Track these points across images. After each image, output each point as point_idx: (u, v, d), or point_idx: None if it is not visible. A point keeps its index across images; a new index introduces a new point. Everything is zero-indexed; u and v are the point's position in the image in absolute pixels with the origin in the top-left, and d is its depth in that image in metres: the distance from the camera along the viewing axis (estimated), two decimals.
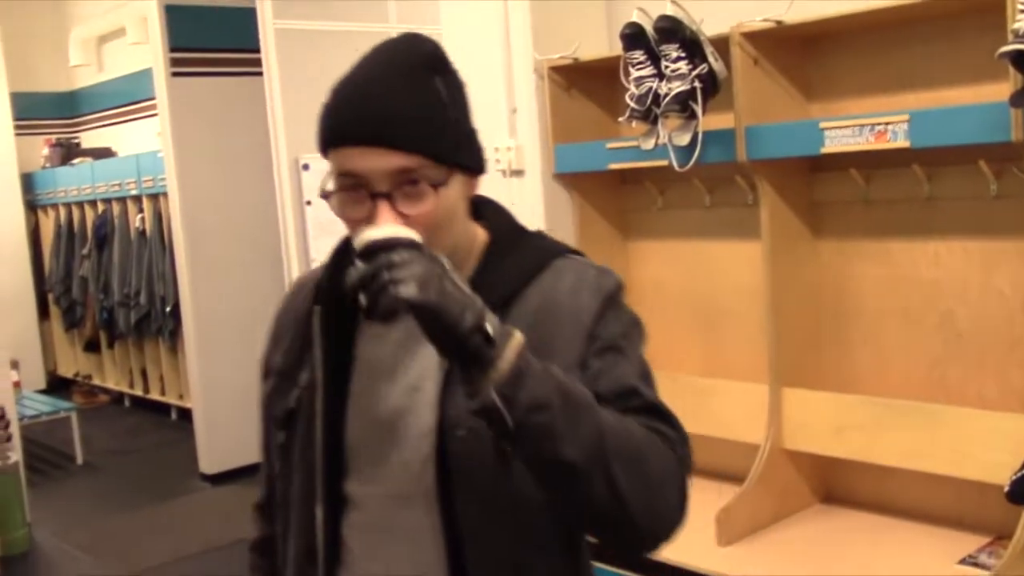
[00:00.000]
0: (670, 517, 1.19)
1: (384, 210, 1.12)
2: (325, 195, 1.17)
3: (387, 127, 1.13)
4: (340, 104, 1.17)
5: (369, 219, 1.12)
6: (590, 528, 1.20)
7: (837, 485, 2.71)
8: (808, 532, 2.55)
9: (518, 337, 1.07)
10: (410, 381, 1.24)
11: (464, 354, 1.05)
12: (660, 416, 1.22)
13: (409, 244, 1.06)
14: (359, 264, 1.05)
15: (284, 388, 1.32)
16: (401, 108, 1.15)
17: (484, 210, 1.31)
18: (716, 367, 2.94)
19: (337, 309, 1.26)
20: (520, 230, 1.33)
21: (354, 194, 1.14)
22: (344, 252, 1.29)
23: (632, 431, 1.15)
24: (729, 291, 2.90)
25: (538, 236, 1.33)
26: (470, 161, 1.23)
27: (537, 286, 1.25)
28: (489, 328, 1.04)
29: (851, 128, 2.30)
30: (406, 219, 1.13)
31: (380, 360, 1.27)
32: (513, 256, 1.27)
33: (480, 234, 1.29)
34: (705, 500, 2.73)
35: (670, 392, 3.10)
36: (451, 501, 1.20)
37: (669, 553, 2.44)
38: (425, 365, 1.23)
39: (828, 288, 2.67)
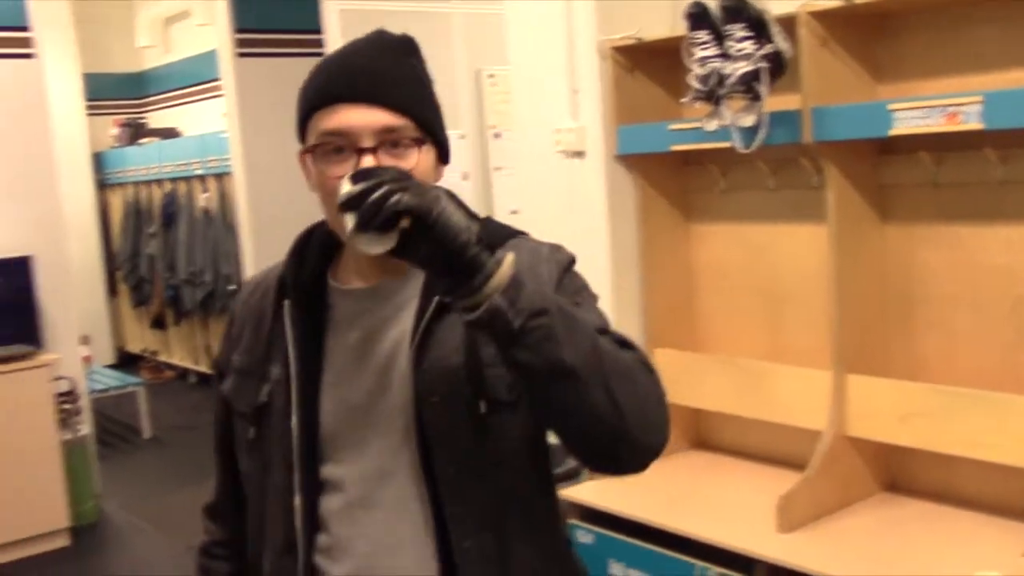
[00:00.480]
0: (661, 431, 1.22)
1: (368, 163, 1.19)
2: (308, 150, 1.24)
3: (377, 86, 1.22)
4: (329, 68, 1.26)
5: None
6: (587, 446, 1.19)
7: (901, 473, 2.67)
8: (871, 521, 2.52)
9: (509, 253, 1.11)
10: (380, 362, 1.29)
11: (464, 263, 1.07)
12: (632, 349, 1.24)
13: (402, 171, 1.12)
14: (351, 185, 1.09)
15: (250, 385, 1.35)
16: (389, 71, 1.24)
17: None
18: (778, 351, 2.90)
19: (304, 303, 1.31)
20: (473, 214, 1.34)
21: (337, 155, 1.21)
22: (305, 245, 1.35)
23: (618, 350, 1.18)
24: (792, 274, 2.86)
25: (489, 220, 1.37)
26: (444, 142, 1.30)
27: None
28: (477, 248, 1.08)
29: (921, 110, 2.25)
30: None
31: (350, 347, 1.30)
32: None
33: None
34: (765, 486, 2.71)
35: (730, 376, 3.11)
36: (431, 468, 1.25)
37: (728, 538, 2.44)
38: (393, 346, 1.28)
39: (895, 273, 2.62)
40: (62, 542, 4.70)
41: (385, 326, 1.30)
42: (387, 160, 1.21)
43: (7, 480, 4.50)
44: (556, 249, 1.36)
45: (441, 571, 1.26)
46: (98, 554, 4.72)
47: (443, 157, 1.31)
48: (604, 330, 1.24)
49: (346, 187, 1.10)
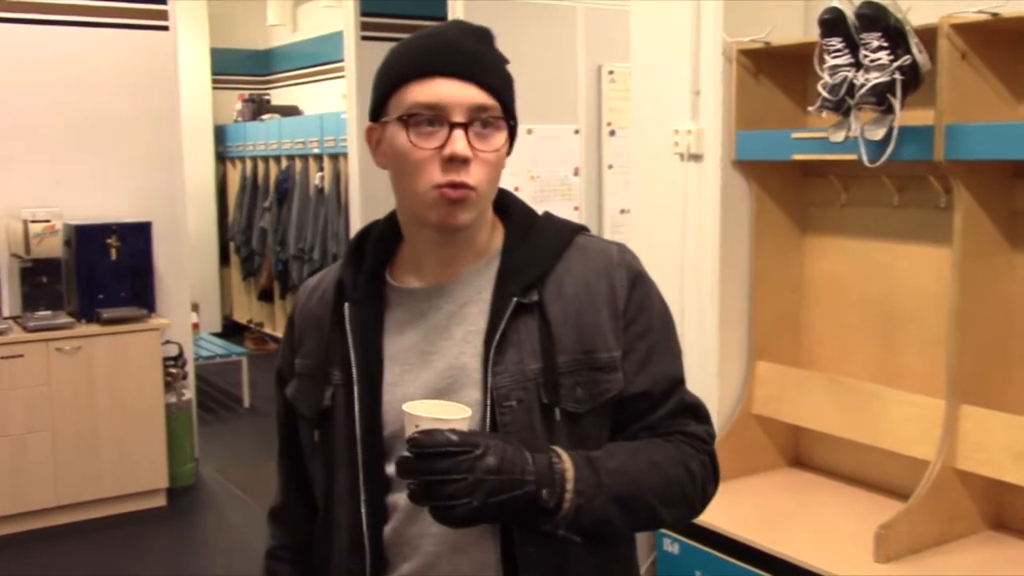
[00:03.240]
0: (694, 515, 1.34)
1: (461, 137, 1.20)
2: (401, 119, 1.22)
3: (475, 64, 1.24)
4: (423, 44, 1.26)
5: (442, 147, 1.20)
6: None
7: (1011, 512, 2.55)
8: (974, 559, 2.41)
9: (568, 468, 1.18)
10: (448, 362, 1.27)
11: (533, 517, 1.18)
12: (692, 412, 1.35)
13: (455, 447, 1.12)
14: (408, 456, 1.13)
15: (313, 388, 1.34)
16: (481, 53, 1.26)
17: (501, 199, 1.36)
18: (887, 375, 2.79)
19: (363, 304, 1.31)
20: (532, 211, 1.37)
21: (428, 127, 1.21)
22: (361, 245, 1.36)
23: (663, 466, 1.27)
24: (910, 297, 2.75)
25: (549, 216, 1.37)
26: (515, 131, 1.30)
27: (564, 264, 1.30)
28: (545, 492, 1.16)
29: None
30: (475, 153, 1.21)
31: (412, 346, 1.29)
32: (536, 236, 1.32)
33: (498, 220, 1.35)
34: (864, 512, 2.62)
35: (836, 395, 3.01)
36: None
37: (821, 562, 2.37)
38: (462, 345, 1.27)
39: (1022, 304, 2.49)
40: (159, 502, 4.85)
41: (449, 325, 1.29)
42: (475, 140, 1.21)
43: (113, 437, 4.67)
44: (624, 250, 1.35)
45: (503, 574, 1.25)
46: (192, 516, 4.86)
47: (511, 146, 1.31)
48: (678, 383, 1.34)
49: (408, 439, 1.14)
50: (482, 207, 1.26)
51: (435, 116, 1.21)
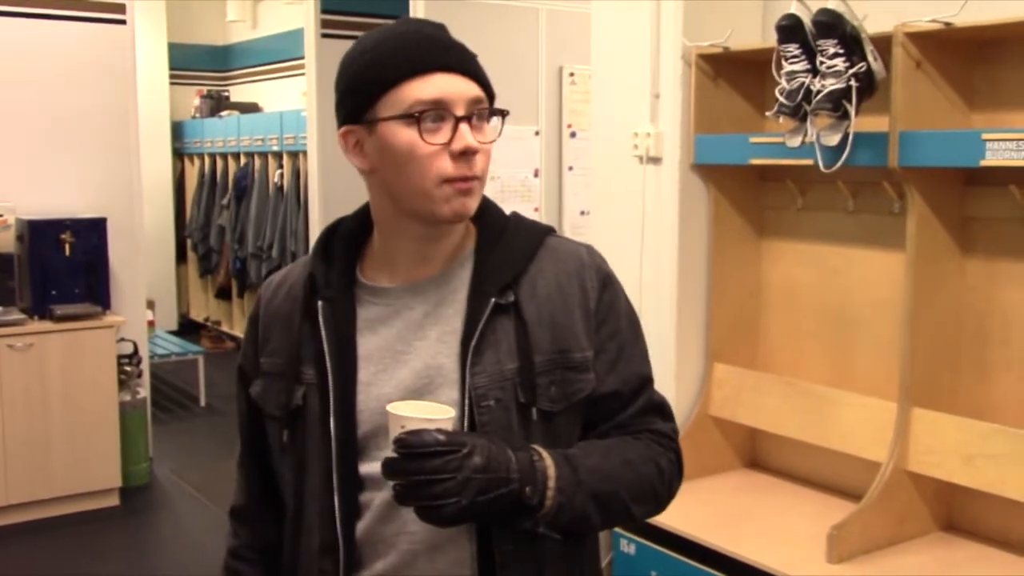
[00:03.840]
0: (661, 510, 1.37)
1: (467, 131, 1.22)
2: (411, 116, 1.21)
3: (465, 58, 1.26)
4: (412, 40, 1.25)
5: (450, 143, 1.21)
6: None
7: (961, 514, 2.59)
8: (924, 560, 2.44)
9: (550, 466, 1.20)
10: (424, 361, 1.27)
11: (517, 516, 1.19)
12: (659, 411, 1.38)
13: (443, 446, 1.13)
14: (395, 456, 1.14)
15: (281, 387, 1.32)
16: (464, 46, 1.28)
17: None
18: (842, 378, 2.83)
19: (337, 302, 1.30)
20: (503, 212, 1.39)
21: (433, 123, 1.22)
22: (328, 243, 1.35)
23: (635, 464, 1.30)
24: (864, 301, 2.79)
25: (519, 216, 1.39)
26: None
27: (537, 265, 1.32)
28: (528, 490, 1.17)
29: (1016, 142, 2.17)
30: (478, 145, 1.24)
31: (387, 346, 1.29)
32: (509, 237, 1.33)
33: (469, 220, 1.35)
34: (817, 513, 2.65)
35: (791, 398, 3.04)
36: None
37: (775, 563, 2.39)
38: (438, 345, 1.27)
39: (972, 309, 2.54)
40: (112, 501, 4.79)
41: (424, 324, 1.29)
42: (475, 133, 1.23)
43: (66, 436, 4.60)
44: (592, 252, 1.37)
45: (479, 573, 1.25)
46: (145, 516, 4.80)
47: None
48: (646, 381, 1.36)
49: (394, 439, 1.14)
50: (480, 197, 1.29)
51: (439, 111, 1.22)
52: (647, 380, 1.37)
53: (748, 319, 3.07)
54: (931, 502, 2.56)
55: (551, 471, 1.20)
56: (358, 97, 1.25)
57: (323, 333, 1.28)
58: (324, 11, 5.60)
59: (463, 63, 1.25)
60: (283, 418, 1.32)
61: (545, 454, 1.21)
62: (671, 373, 2.99)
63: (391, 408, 1.16)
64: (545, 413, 1.27)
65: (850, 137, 2.42)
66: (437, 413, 1.17)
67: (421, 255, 1.30)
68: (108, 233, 4.90)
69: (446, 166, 1.22)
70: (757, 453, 3.12)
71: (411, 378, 1.27)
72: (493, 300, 1.26)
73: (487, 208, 1.35)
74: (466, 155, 1.22)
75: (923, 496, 2.54)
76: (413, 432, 1.13)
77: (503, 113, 1.29)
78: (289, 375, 1.32)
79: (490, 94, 1.28)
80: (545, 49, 4.96)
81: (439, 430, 1.13)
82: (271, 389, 1.34)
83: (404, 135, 1.22)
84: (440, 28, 1.29)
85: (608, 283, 1.34)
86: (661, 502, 1.35)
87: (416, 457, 1.12)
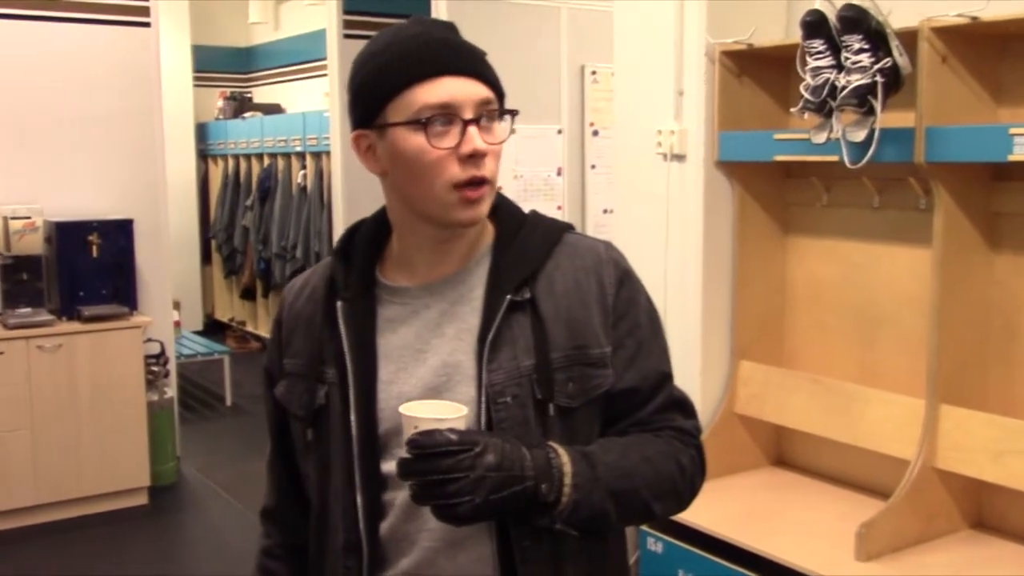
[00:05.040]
0: (684, 507, 1.36)
1: (475, 134, 1.22)
2: (418, 122, 1.22)
3: (474, 59, 1.25)
4: (419, 44, 1.24)
5: (458, 146, 1.22)
6: None
7: (990, 512, 2.57)
8: (954, 557, 2.43)
9: (566, 463, 1.20)
10: (442, 359, 1.28)
11: (533, 514, 1.20)
12: (680, 407, 1.37)
13: (455, 446, 1.13)
14: (409, 457, 1.14)
15: (304, 388, 1.34)
16: (474, 47, 1.27)
17: None
18: (868, 375, 2.82)
19: (357, 302, 1.32)
20: (520, 210, 1.38)
21: (442, 127, 1.22)
22: (349, 244, 1.37)
23: (655, 461, 1.29)
24: (890, 297, 2.77)
25: (537, 214, 1.39)
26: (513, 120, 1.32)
27: (555, 261, 1.32)
28: (544, 488, 1.17)
29: None
30: (486, 147, 1.23)
31: (406, 345, 1.30)
32: (526, 234, 1.34)
33: (486, 218, 1.35)
34: (845, 511, 2.64)
35: (818, 395, 3.02)
36: None
37: (803, 561, 2.38)
38: (455, 343, 1.28)
39: (1000, 304, 2.52)
40: (141, 500, 4.83)
41: (441, 323, 1.29)
42: (484, 135, 1.22)
43: (95, 435, 4.65)
44: (610, 247, 1.37)
45: (500, 570, 1.26)
46: (173, 515, 4.84)
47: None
48: (665, 378, 1.35)
49: (407, 439, 1.14)
50: (492, 198, 1.28)
51: (447, 115, 1.22)
52: (667, 376, 1.36)
53: (773, 316, 3.06)
54: (959, 499, 2.54)
55: (567, 468, 1.20)
56: (368, 102, 1.26)
57: (343, 333, 1.30)
58: (346, 12, 5.63)
59: (471, 65, 1.24)
60: (307, 418, 1.33)
61: (562, 451, 1.21)
62: (696, 371, 2.99)
63: (403, 410, 1.16)
64: (563, 409, 1.27)
65: (876, 133, 2.40)
66: (450, 412, 1.17)
67: (437, 255, 1.31)
68: (134, 234, 4.94)
69: (455, 170, 1.22)
70: (783, 451, 3.11)
71: (430, 376, 1.28)
72: (508, 297, 1.27)
73: (504, 206, 1.36)
74: (474, 158, 1.22)
75: (951, 493, 2.52)
76: (425, 432, 1.14)
77: (513, 113, 1.28)
78: (311, 375, 1.33)
79: (499, 93, 1.27)
80: (567, 48, 4.96)
81: (451, 429, 1.14)
82: (295, 389, 1.36)
83: (413, 140, 1.22)
84: (449, 29, 1.29)
85: (626, 279, 1.34)
86: (683, 499, 1.34)
87: (428, 457, 1.12)
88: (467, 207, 1.24)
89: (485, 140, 1.23)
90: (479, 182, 1.23)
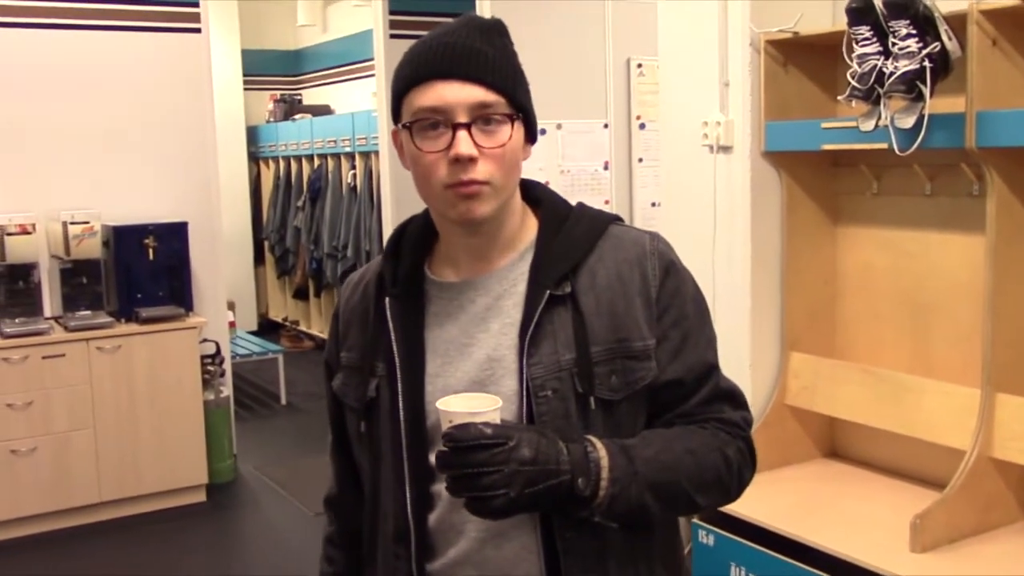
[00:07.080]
0: (731, 500, 1.36)
1: (464, 138, 1.22)
2: (405, 126, 1.26)
3: (470, 62, 1.24)
4: (424, 48, 1.27)
5: (448, 150, 1.22)
6: None
7: None
8: (1011, 548, 2.40)
9: (603, 456, 1.20)
10: (486, 353, 1.30)
11: (569, 506, 1.20)
12: (728, 398, 1.36)
13: (489, 439, 1.14)
14: (444, 450, 1.15)
15: (358, 381, 1.37)
16: (481, 49, 1.26)
17: (532, 191, 1.39)
18: (921, 364, 2.78)
19: (404, 297, 1.34)
20: (567, 202, 1.38)
21: (433, 131, 1.24)
22: (399, 240, 1.39)
23: (698, 453, 1.29)
24: (943, 286, 2.73)
25: (583, 206, 1.39)
26: (533, 121, 1.31)
27: (598, 254, 1.32)
28: (580, 482, 1.18)
29: None
30: (481, 151, 1.23)
31: (452, 339, 1.32)
32: (569, 227, 1.34)
33: (531, 212, 1.37)
34: (899, 502, 2.62)
35: (870, 386, 2.99)
36: None
37: (857, 553, 2.36)
38: (499, 337, 1.30)
39: None
40: (198, 498, 4.91)
41: (486, 317, 1.31)
42: (480, 137, 1.23)
43: (153, 434, 4.74)
44: (656, 238, 1.37)
45: (545, 560, 1.27)
46: (231, 512, 4.92)
47: (531, 136, 1.32)
48: (711, 369, 1.35)
49: (444, 433, 1.15)
50: (502, 199, 1.28)
51: (439, 119, 1.23)
52: (712, 368, 1.36)
53: (823, 307, 3.04)
54: (1017, 490, 2.50)
55: (604, 462, 1.20)
56: (392, 102, 1.31)
57: (391, 328, 1.33)
58: (392, 12, 5.67)
59: (465, 69, 1.24)
60: (360, 410, 1.37)
61: (600, 444, 1.22)
62: (746, 363, 2.97)
63: (439, 404, 1.18)
64: (605, 402, 1.28)
65: (925, 119, 2.37)
66: (485, 405, 1.18)
67: (476, 249, 1.33)
68: (189, 237, 5.03)
69: (444, 173, 1.24)
70: (836, 442, 3.08)
71: (475, 370, 1.30)
72: (548, 292, 1.28)
73: (548, 198, 1.37)
74: (460, 162, 1.23)
75: (1008, 483, 2.49)
76: (460, 426, 1.15)
77: (514, 117, 1.27)
78: (364, 369, 1.36)
79: (508, 95, 1.26)
80: (612, 41, 4.95)
81: (486, 423, 1.15)
82: (350, 382, 1.39)
83: (411, 142, 1.26)
84: (476, 29, 1.28)
85: (671, 270, 1.34)
86: (729, 492, 1.34)
87: (463, 451, 1.14)
88: (461, 205, 1.25)
89: (482, 144, 1.23)
90: (467, 185, 1.24)
